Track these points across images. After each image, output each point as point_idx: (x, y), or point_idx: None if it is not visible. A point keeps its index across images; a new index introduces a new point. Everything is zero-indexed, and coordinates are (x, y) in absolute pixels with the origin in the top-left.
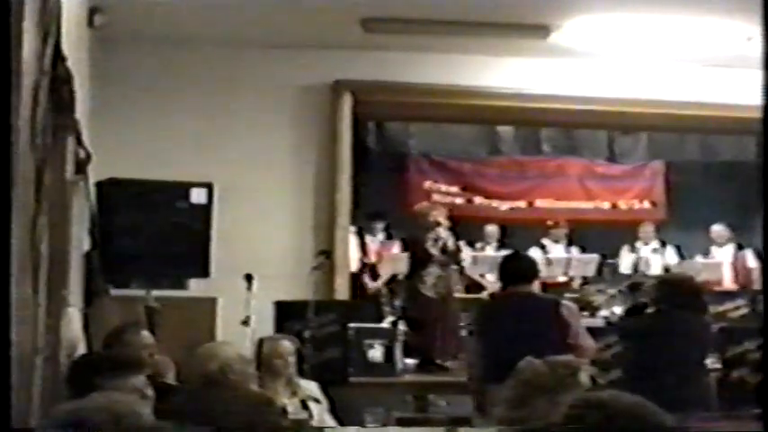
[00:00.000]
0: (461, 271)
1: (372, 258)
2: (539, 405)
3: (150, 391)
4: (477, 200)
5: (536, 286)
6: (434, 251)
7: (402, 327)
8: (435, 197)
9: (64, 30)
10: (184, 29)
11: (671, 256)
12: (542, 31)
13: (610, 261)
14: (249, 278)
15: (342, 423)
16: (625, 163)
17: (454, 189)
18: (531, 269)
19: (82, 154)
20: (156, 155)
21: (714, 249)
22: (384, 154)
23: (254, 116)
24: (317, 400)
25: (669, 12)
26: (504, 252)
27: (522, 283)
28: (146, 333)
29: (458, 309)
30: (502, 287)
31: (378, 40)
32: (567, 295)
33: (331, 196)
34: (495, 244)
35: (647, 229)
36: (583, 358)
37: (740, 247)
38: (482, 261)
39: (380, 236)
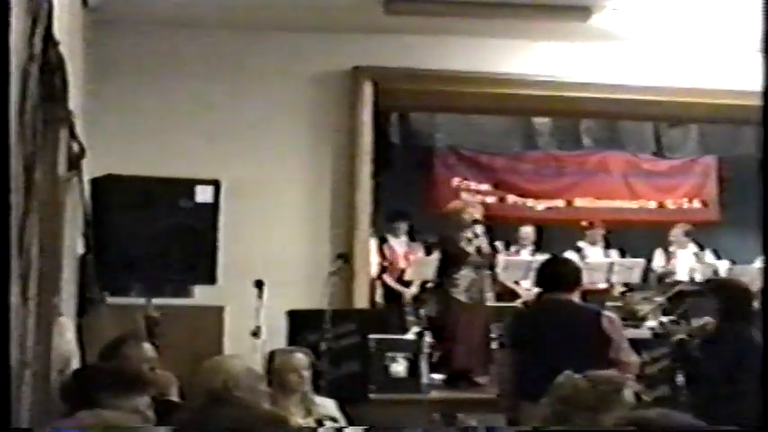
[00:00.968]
0: (494, 276)
1: (402, 263)
2: (578, 424)
3: (152, 413)
4: (511, 198)
5: (576, 294)
6: (470, 250)
7: (428, 338)
8: (464, 195)
9: (56, 11)
10: (190, 10)
11: (714, 261)
12: (582, 12)
13: (653, 267)
14: (260, 285)
15: None
16: (673, 158)
17: (485, 187)
18: (572, 275)
19: (76, 148)
20: (157, 149)
21: None
22: (408, 148)
23: (265, 107)
24: (333, 419)
25: None
26: (540, 256)
27: (562, 290)
28: (146, 345)
29: (491, 317)
30: (539, 294)
31: (401, 22)
32: (609, 303)
33: (350, 194)
34: (530, 247)
35: (677, 231)
36: (626, 374)
37: None
38: (516, 266)
39: (404, 238)
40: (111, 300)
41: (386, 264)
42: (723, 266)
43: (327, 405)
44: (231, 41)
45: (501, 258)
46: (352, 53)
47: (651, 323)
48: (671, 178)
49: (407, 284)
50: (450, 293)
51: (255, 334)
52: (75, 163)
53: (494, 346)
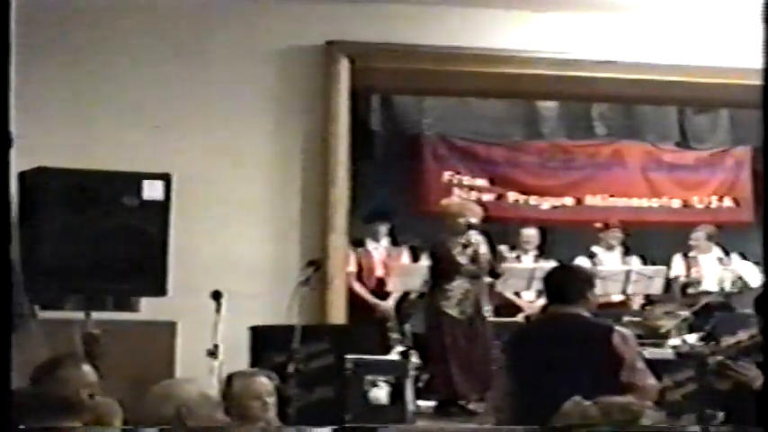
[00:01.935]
0: (492, 286)
1: (380, 270)
2: None
3: None
4: (511, 196)
5: (586, 308)
6: (463, 259)
7: (415, 359)
8: (457, 192)
9: None
10: None
11: (742, 266)
12: None
13: (676, 276)
14: (217, 296)
15: None
16: (700, 149)
17: (481, 182)
18: (582, 285)
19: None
20: (97, 138)
21: None
22: (391, 136)
23: (223, 89)
24: None
25: None
26: (544, 263)
27: (569, 303)
28: (85, 368)
29: (489, 334)
30: (543, 307)
31: None
32: (626, 318)
33: (323, 191)
34: (533, 252)
35: (698, 234)
36: (643, 400)
37: None
38: (516, 274)
39: (385, 241)
40: (42, 314)
41: (356, 270)
42: (753, 273)
43: None
44: (184, 14)
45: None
46: (326, 25)
47: (674, 341)
48: (697, 172)
49: (385, 296)
50: (439, 307)
51: (212, 354)
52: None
53: (493, 367)
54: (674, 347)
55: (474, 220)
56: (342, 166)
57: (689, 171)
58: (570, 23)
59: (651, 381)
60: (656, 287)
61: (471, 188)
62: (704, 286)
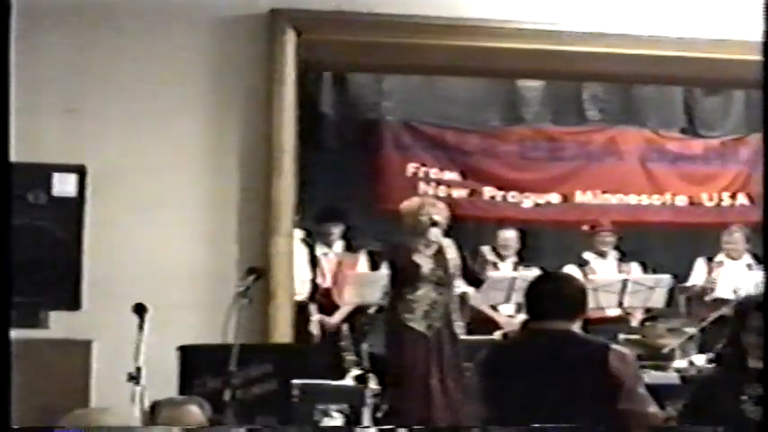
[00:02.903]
0: (463, 298)
1: (327, 280)
2: None
3: None
4: (487, 192)
5: (576, 324)
6: (427, 263)
7: (373, 384)
8: (423, 187)
9: None
10: None
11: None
12: None
13: (687, 285)
14: (141, 310)
15: None
16: (710, 136)
17: (451, 175)
18: (572, 298)
19: None
20: None
21: None
22: (345, 122)
23: (147, 66)
24: None
25: None
26: (526, 271)
27: (557, 317)
28: None
29: (460, 353)
30: (524, 323)
31: None
32: (622, 336)
33: (266, 186)
34: (512, 258)
35: (737, 236)
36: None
37: None
38: (493, 284)
39: (338, 245)
40: None
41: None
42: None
43: None
44: None
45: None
46: None
47: (680, 363)
48: (707, 164)
49: (331, 311)
50: (402, 321)
51: (134, 378)
52: None
53: (465, 394)
54: (679, 370)
55: (437, 218)
56: (287, 156)
57: (696, 162)
58: None
59: (653, 409)
60: (658, 299)
61: (440, 183)
62: (718, 295)
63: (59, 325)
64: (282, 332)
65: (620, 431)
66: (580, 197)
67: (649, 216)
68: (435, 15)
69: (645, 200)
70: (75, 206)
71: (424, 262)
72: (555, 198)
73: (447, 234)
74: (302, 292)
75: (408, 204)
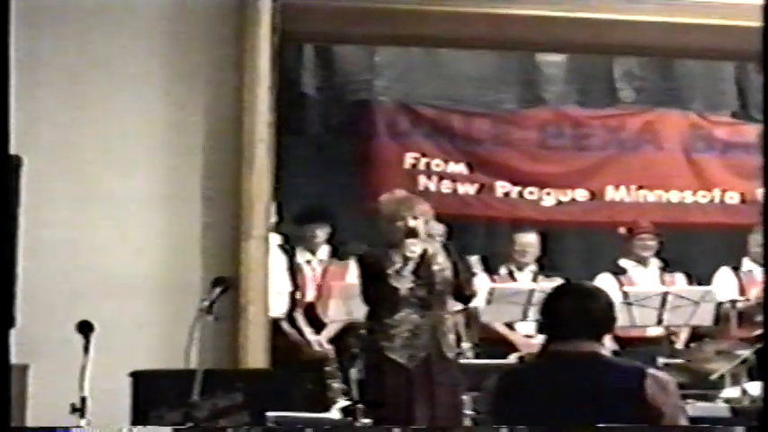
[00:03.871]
0: (470, 316)
1: (311, 292)
2: None
3: None
4: (500, 187)
5: (606, 344)
6: (404, 282)
7: (363, 418)
8: (423, 182)
9: None
10: None
11: None
12: None
13: (739, 299)
14: (86, 329)
15: None
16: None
17: (457, 167)
18: (601, 314)
19: None
20: None
21: None
22: (330, 104)
23: (98, 39)
24: None
25: None
26: (547, 282)
27: (582, 337)
28: None
29: (457, 383)
30: (544, 345)
31: None
32: (662, 360)
33: (236, 182)
34: (531, 267)
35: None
36: None
37: None
38: (508, 298)
39: (323, 251)
40: None
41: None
42: None
43: None
44: None
45: (485, 284)
46: None
47: (730, 392)
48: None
49: (315, 329)
50: (380, 350)
51: (78, 410)
52: None
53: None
54: (729, 401)
55: (416, 225)
56: (262, 145)
57: (750, 152)
58: None
59: None
60: (705, 316)
61: (443, 176)
62: None
63: None
64: (255, 355)
65: None
66: (612, 193)
67: (694, 216)
68: None
69: (689, 197)
70: (7, 204)
71: (400, 281)
72: (582, 195)
73: (449, 236)
74: (280, 306)
75: (382, 205)
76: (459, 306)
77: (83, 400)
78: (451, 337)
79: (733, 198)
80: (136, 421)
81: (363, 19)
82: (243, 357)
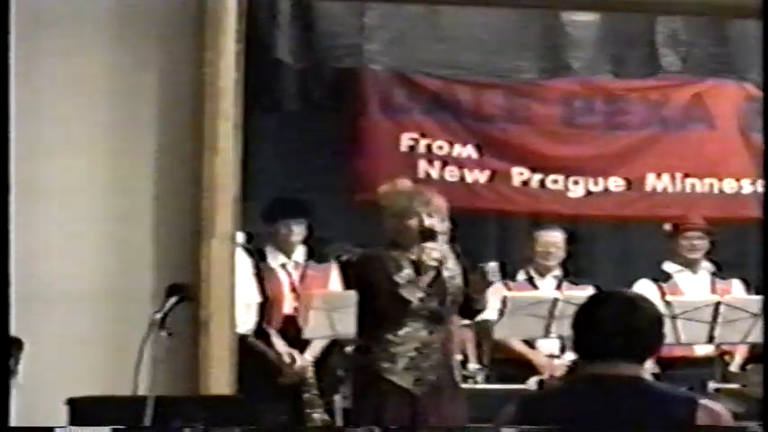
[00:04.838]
0: (480, 331)
1: (289, 302)
2: None
3: None
4: (517, 174)
5: (648, 366)
6: (414, 292)
7: None
8: (423, 167)
9: None
10: None
11: None
12: None
13: None
14: (14, 347)
15: None
16: None
17: (465, 151)
18: (647, 330)
19: None
20: None
21: None
22: (311, 73)
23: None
24: None
25: None
26: (575, 290)
27: (621, 358)
28: None
29: (465, 412)
30: (572, 365)
31: None
32: (714, 385)
33: (195, 168)
34: (555, 272)
35: None
36: None
37: None
38: (527, 309)
39: (300, 253)
40: None
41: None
42: None
43: None
44: None
45: (499, 293)
46: None
47: None
48: None
49: (302, 346)
50: (378, 372)
51: None
52: None
53: None
54: None
55: (433, 222)
56: (227, 123)
57: None
58: None
59: None
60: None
61: (447, 161)
62: None
63: None
64: (219, 378)
65: None
66: (653, 182)
67: (753, 210)
68: None
69: (746, 186)
70: None
71: (411, 291)
72: (616, 184)
73: (453, 234)
74: (249, 320)
75: (387, 197)
76: (465, 320)
77: (10, 430)
78: (458, 358)
79: None
80: None
81: None
82: (204, 381)
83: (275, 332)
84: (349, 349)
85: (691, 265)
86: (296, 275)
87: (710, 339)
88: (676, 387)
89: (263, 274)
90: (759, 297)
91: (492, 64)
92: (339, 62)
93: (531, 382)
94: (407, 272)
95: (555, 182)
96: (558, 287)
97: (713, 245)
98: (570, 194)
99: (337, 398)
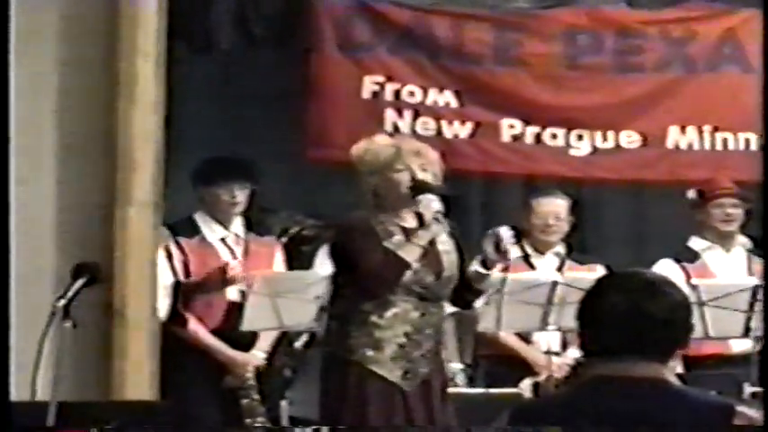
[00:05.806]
0: (461, 322)
1: (235, 285)
2: None
3: None
4: (507, 127)
5: (672, 367)
6: (412, 253)
7: None
8: (391, 117)
9: None
10: None
11: None
12: None
13: None
14: None
15: None
16: None
17: (442, 97)
18: (671, 320)
19: None
20: None
21: None
22: (251, 1)
23: None
24: None
25: None
26: (581, 271)
27: (639, 356)
28: None
29: (459, 416)
30: (576, 364)
31: None
32: (750, 389)
33: (108, 122)
34: (557, 248)
35: None
36: None
37: None
38: (520, 294)
39: (238, 224)
40: None
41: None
42: None
43: None
44: None
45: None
46: None
47: None
48: None
49: (247, 343)
50: (361, 362)
51: None
52: None
53: None
54: None
55: (426, 176)
56: (147, 64)
57: None
58: None
59: None
60: None
61: (420, 110)
62: None
63: None
64: (136, 380)
65: None
66: (675, 137)
67: None
68: None
69: None
70: None
71: (409, 252)
72: (630, 139)
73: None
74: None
75: (367, 153)
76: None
77: None
78: (454, 349)
79: None
80: None
81: None
82: (118, 383)
83: (195, 319)
84: (299, 344)
85: (723, 240)
86: (239, 252)
87: (747, 332)
88: (708, 392)
89: (195, 251)
90: None
91: None
92: None
93: (525, 386)
94: (398, 238)
95: (554, 137)
96: (560, 267)
97: (750, 215)
98: (573, 152)
99: (283, 404)
